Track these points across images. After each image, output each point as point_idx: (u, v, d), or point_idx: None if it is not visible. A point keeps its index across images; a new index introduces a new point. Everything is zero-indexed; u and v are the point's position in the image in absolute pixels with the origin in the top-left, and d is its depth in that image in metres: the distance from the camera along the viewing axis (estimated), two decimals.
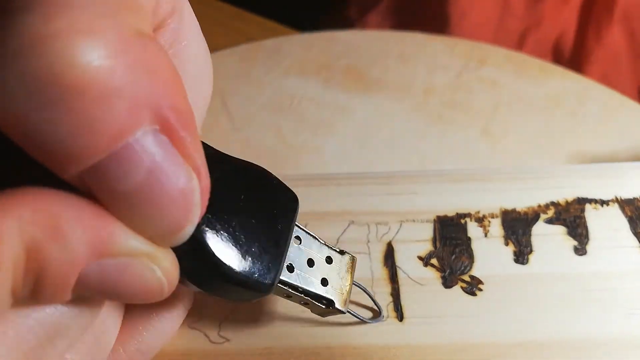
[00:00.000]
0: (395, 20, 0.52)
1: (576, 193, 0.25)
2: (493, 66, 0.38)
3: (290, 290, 0.19)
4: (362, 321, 0.21)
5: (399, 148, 0.34)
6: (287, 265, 0.18)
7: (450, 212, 0.25)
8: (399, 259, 0.23)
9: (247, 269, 0.16)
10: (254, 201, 0.18)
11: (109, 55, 0.11)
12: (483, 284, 0.23)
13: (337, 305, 0.19)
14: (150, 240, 0.13)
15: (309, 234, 0.20)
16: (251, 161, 0.19)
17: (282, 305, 0.22)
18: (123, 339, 0.18)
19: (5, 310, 0.12)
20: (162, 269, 0.14)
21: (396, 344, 0.21)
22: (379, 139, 0.34)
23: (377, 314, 0.22)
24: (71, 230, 0.12)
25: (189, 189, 0.13)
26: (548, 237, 0.24)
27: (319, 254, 0.20)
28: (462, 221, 0.24)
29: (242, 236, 0.17)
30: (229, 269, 0.16)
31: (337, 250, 0.20)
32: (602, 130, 0.35)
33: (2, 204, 0.11)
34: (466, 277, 0.23)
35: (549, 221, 0.24)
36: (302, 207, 0.24)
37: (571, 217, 0.25)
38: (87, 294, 0.13)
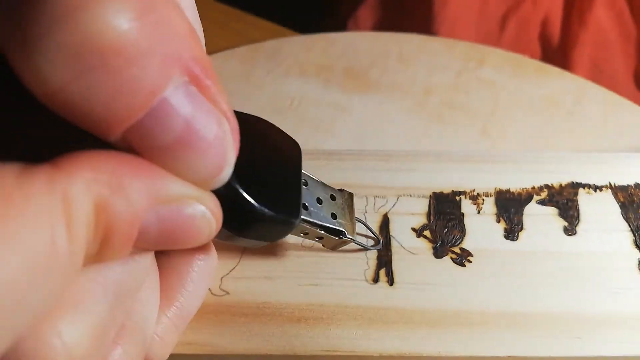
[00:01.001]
0: (383, 12, 0.53)
1: (571, 178, 0.26)
2: (492, 67, 0.39)
3: (307, 226, 0.21)
4: (365, 248, 0.24)
5: (398, 148, 0.34)
6: (302, 205, 0.20)
7: (446, 189, 0.26)
8: (394, 229, 0.24)
9: (276, 207, 0.18)
10: (268, 149, 0.20)
11: (136, 16, 0.12)
12: (472, 256, 0.24)
13: (348, 235, 0.22)
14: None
15: (312, 177, 0.22)
16: None
17: (280, 264, 0.23)
18: (164, 307, 0.19)
19: (78, 269, 0.13)
20: (209, 210, 0.15)
21: (386, 306, 0.22)
22: (379, 139, 0.35)
23: (376, 243, 0.24)
24: (130, 184, 0.13)
25: (222, 132, 0.14)
26: (539, 217, 0.25)
27: (324, 193, 0.22)
28: (457, 198, 0.25)
29: (266, 179, 0.18)
30: (261, 208, 0.18)
31: (337, 189, 0.23)
32: (600, 130, 0.35)
33: (65, 167, 0.12)
34: (456, 249, 0.24)
35: (542, 202, 0.25)
36: None
37: (564, 200, 0.25)
38: (145, 245, 0.14)
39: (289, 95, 0.37)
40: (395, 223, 0.25)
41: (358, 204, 0.25)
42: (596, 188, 0.26)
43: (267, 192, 0.18)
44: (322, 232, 0.21)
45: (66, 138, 0.13)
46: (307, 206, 0.21)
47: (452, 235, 0.24)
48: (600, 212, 0.25)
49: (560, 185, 0.26)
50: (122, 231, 0.13)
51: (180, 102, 0.13)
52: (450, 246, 0.24)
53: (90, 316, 0.14)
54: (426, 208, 0.25)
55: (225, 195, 0.16)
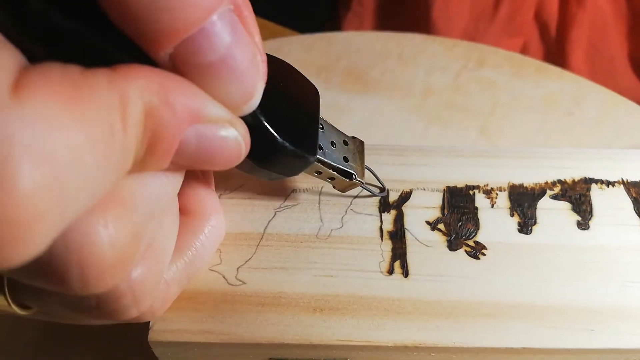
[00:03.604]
0: (377, 4, 0.53)
1: (583, 174, 0.26)
2: (491, 67, 0.39)
3: (321, 166, 0.22)
4: (372, 194, 0.25)
5: None
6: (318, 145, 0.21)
7: (460, 184, 0.26)
8: (408, 222, 0.25)
9: (295, 142, 0.19)
10: (291, 90, 0.21)
11: None
12: (487, 249, 0.24)
13: (358, 178, 0.23)
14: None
15: (327, 122, 0.23)
16: None
17: (295, 255, 0.23)
18: (175, 258, 0.20)
19: (129, 165, 0.14)
20: (241, 135, 0.17)
21: (400, 297, 0.22)
22: (378, 139, 0.35)
23: (381, 190, 0.25)
24: (176, 97, 0.14)
25: (255, 62, 0.16)
26: (553, 212, 0.25)
27: (337, 138, 0.23)
28: (471, 192, 0.26)
29: (288, 117, 0.20)
30: (282, 142, 0.19)
31: (350, 136, 0.24)
32: (599, 129, 0.36)
33: (122, 74, 0.13)
34: (471, 242, 0.24)
35: (555, 197, 0.26)
36: None
37: (577, 195, 0.26)
38: (182, 161, 0.15)
39: None
40: (410, 216, 0.25)
41: (373, 197, 0.25)
42: (609, 184, 0.26)
43: (289, 128, 0.19)
44: (334, 172, 0.22)
45: (118, 57, 0.14)
46: (322, 147, 0.22)
47: (466, 229, 0.24)
48: (612, 207, 0.25)
49: (573, 180, 0.26)
50: (165, 139, 0.14)
51: (225, 26, 0.14)
52: (464, 239, 0.24)
53: (132, 217, 0.15)
54: (440, 202, 0.25)
55: (252, 126, 0.17)
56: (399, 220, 0.25)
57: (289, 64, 0.21)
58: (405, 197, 0.25)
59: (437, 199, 0.25)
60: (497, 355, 0.22)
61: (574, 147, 0.35)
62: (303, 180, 0.26)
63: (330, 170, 0.22)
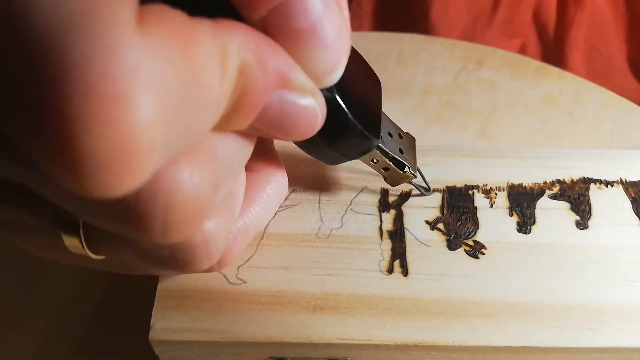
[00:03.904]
0: (376, 5, 0.53)
1: (582, 173, 0.27)
2: (491, 67, 0.39)
3: (379, 153, 0.22)
4: (420, 193, 0.25)
5: None
6: None
7: (459, 184, 0.26)
8: (408, 221, 0.25)
9: (365, 123, 0.20)
10: (360, 72, 0.21)
11: None
12: (486, 248, 0.24)
13: (411, 171, 0.23)
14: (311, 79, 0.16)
15: (385, 114, 0.23)
16: None
17: (295, 254, 0.24)
18: (242, 211, 0.21)
19: (220, 114, 0.14)
20: (319, 106, 0.17)
21: (400, 296, 0.22)
22: None
23: (427, 190, 0.26)
24: (269, 59, 0.14)
25: (343, 34, 0.16)
26: (552, 211, 0.25)
27: (394, 130, 0.23)
28: (470, 192, 0.26)
29: (359, 98, 0.20)
30: (353, 120, 0.19)
31: (404, 131, 0.24)
32: (598, 129, 0.36)
33: (225, 27, 0.14)
34: (470, 242, 0.24)
35: (554, 197, 0.26)
36: (320, 170, 0.26)
37: (575, 194, 0.26)
38: (262, 124, 0.16)
39: None
40: (409, 216, 0.25)
41: (371, 197, 0.25)
42: (607, 183, 0.26)
43: (359, 108, 0.20)
44: (390, 162, 0.23)
45: (215, 14, 0.14)
46: (381, 136, 0.22)
47: (466, 228, 0.25)
48: (611, 207, 0.25)
49: (572, 180, 0.26)
50: (252, 98, 0.14)
51: None
52: (464, 239, 0.24)
53: (214, 170, 0.15)
54: (440, 201, 0.25)
55: (327, 100, 0.17)
56: (398, 219, 0.25)
57: (356, 51, 0.21)
58: (404, 196, 0.26)
59: (436, 199, 0.26)
60: (497, 354, 0.22)
61: (573, 147, 0.35)
62: (303, 180, 0.26)
63: (387, 160, 0.23)
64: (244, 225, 0.21)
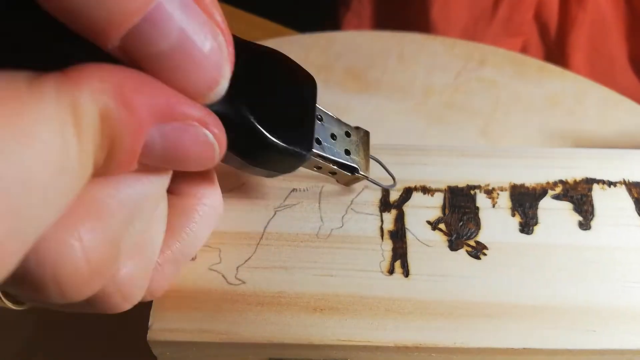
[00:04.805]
0: (376, 4, 0.53)
1: (585, 174, 0.26)
2: (492, 67, 0.39)
3: (320, 160, 0.21)
4: (380, 185, 0.24)
5: None
6: (315, 139, 0.20)
7: (461, 184, 0.26)
8: (409, 221, 0.24)
9: (287, 138, 0.18)
10: (282, 81, 0.19)
11: None
12: (487, 249, 0.24)
13: (361, 172, 0.22)
14: (192, 98, 0.15)
15: (327, 112, 0.22)
16: None
17: (295, 254, 0.23)
18: (168, 241, 0.19)
19: (89, 173, 0.13)
20: (212, 133, 0.15)
21: (401, 297, 0.22)
22: (379, 139, 0.35)
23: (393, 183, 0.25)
24: (135, 96, 0.13)
25: (217, 43, 0.14)
26: (554, 212, 0.25)
27: (339, 129, 0.22)
28: (472, 192, 0.26)
29: (279, 111, 0.18)
30: (272, 140, 0.18)
31: (353, 126, 0.23)
32: (600, 129, 0.35)
33: (73, 76, 0.12)
34: (471, 242, 0.24)
35: (556, 197, 0.25)
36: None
37: (578, 195, 0.25)
38: (152, 162, 0.15)
39: None
40: (410, 216, 0.25)
41: (372, 197, 0.25)
42: (610, 184, 0.26)
43: (280, 123, 0.18)
44: (335, 167, 0.21)
45: (71, 53, 0.13)
46: (320, 141, 0.21)
47: (467, 229, 0.24)
48: (614, 208, 0.25)
49: (575, 180, 0.26)
50: (125, 142, 0.13)
51: (175, 9, 0.13)
52: (466, 239, 0.24)
53: (107, 226, 0.14)
54: (441, 201, 0.25)
55: (238, 122, 0.16)
56: (399, 219, 0.25)
57: (281, 53, 0.20)
58: (406, 196, 0.25)
59: (438, 199, 0.25)
60: (498, 356, 0.22)
61: (575, 147, 0.34)
62: (303, 180, 0.26)
63: (331, 165, 0.21)
64: (172, 256, 0.20)
